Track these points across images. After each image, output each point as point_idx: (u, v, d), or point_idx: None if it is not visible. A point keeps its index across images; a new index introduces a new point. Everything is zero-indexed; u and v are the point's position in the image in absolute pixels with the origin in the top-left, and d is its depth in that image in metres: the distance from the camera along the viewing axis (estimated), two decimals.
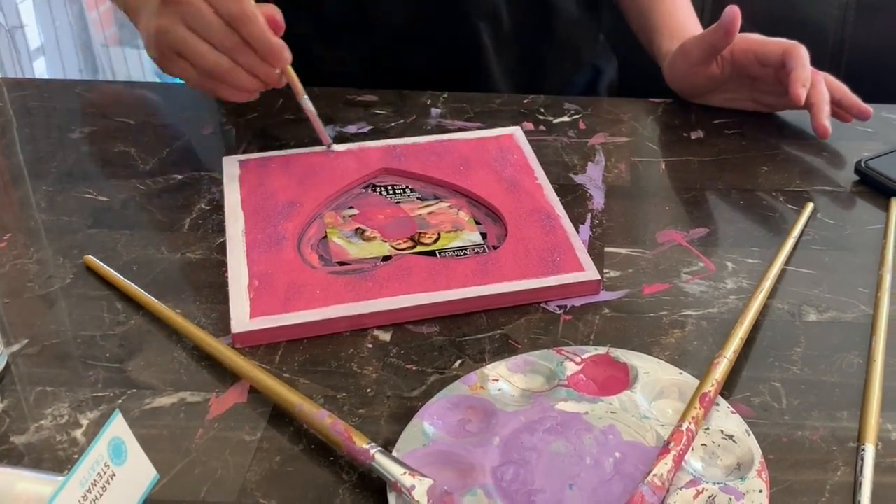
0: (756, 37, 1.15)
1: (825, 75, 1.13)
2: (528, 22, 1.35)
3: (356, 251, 0.96)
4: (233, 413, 0.80)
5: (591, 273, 0.92)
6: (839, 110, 1.14)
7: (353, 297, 0.89)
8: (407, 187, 1.05)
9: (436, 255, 0.95)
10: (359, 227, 0.99)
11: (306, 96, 1.08)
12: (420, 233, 0.98)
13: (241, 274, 0.92)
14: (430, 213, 1.01)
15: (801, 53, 1.11)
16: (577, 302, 0.91)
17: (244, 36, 1.01)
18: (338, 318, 0.88)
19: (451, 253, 0.95)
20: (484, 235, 0.97)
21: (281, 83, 1.06)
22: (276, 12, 1.04)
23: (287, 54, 1.03)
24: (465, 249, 0.95)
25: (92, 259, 0.95)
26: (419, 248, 0.96)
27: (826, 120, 1.09)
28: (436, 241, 0.97)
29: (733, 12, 1.10)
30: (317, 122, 1.09)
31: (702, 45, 1.16)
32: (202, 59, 1.03)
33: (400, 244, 0.96)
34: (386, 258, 0.95)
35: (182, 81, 1.08)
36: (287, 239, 0.96)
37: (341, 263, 0.94)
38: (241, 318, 0.88)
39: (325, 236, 0.98)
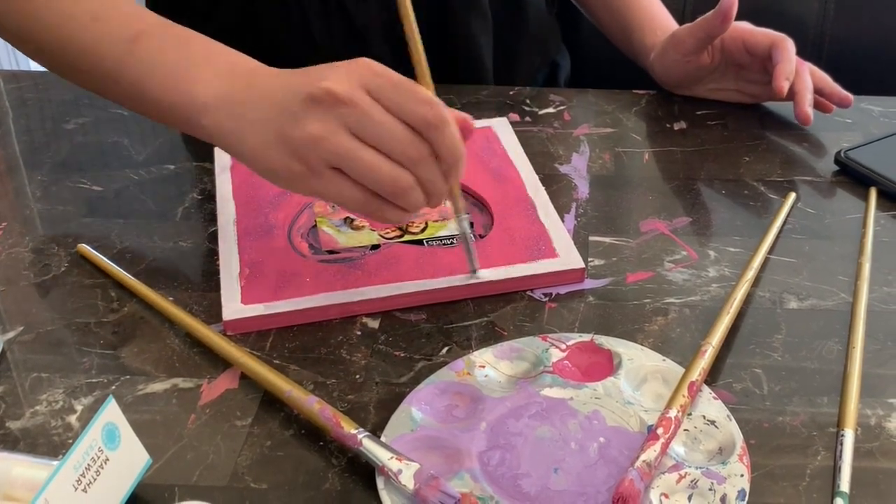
0: (745, 25, 1.16)
1: (809, 65, 1.14)
2: (505, 16, 1.34)
3: (345, 240, 0.97)
4: (224, 399, 0.81)
5: (575, 262, 0.93)
6: (821, 100, 1.15)
7: (343, 285, 0.90)
8: None
9: (423, 244, 0.96)
10: (348, 217, 0.99)
11: (466, 215, 0.90)
12: (408, 222, 0.99)
13: (233, 262, 0.93)
14: None
15: (788, 46, 1.12)
16: (562, 290, 0.91)
17: (435, 144, 0.81)
18: (327, 306, 0.89)
19: (438, 242, 0.96)
20: (471, 224, 0.98)
21: (441, 202, 0.86)
22: (466, 115, 0.85)
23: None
24: (452, 238, 0.96)
25: (85, 248, 0.96)
26: (407, 237, 0.97)
27: (808, 108, 1.11)
28: (423, 230, 0.97)
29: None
30: (471, 247, 0.91)
31: (696, 32, 1.16)
32: (375, 173, 0.80)
33: (388, 233, 0.97)
34: (374, 247, 0.96)
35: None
36: (277, 228, 0.97)
37: (330, 252, 0.95)
38: (233, 305, 0.89)
39: (315, 225, 0.99)
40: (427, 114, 0.80)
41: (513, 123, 1.15)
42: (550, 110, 1.20)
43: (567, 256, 0.93)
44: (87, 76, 0.97)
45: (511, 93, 1.24)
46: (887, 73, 1.41)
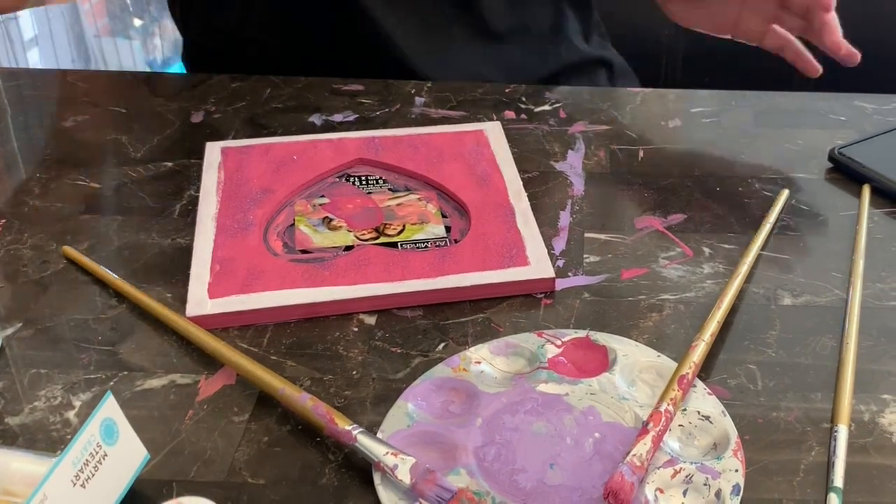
0: None
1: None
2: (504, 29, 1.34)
3: (320, 240, 0.96)
4: (222, 395, 0.81)
5: (545, 271, 0.92)
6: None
7: (307, 286, 0.90)
8: (380, 178, 1.05)
9: (397, 247, 0.95)
10: (326, 217, 0.99)
11: None
12: (385, 224, 0.98)
13: (205, 258, 0.93)
14: (398, 205, 1.01)
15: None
16: (558, 286, 0.92)
17: None
18: (290, 306, 0.88)
19: (412, 245, 0.95)
20: (448, 229, 0.98)
21: None
22: None
23: None
24: (427, 242, 0.95)
25: (70, 249, 0.96)
26: (382, 240, 0.96)
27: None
28: (400, 232, 0.97)
29: None
30: None
31: None
32: None
33: (364, 234, 0.97)
34: (348, 248, 0.95)
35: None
36: (255, 225, 0.97)
37: (304, 251, 0.95)
38: (198, 301, 0.89)
39: (293, 224, 0.98)
40: None
41: (509, 121, 1.16)
42: (546, 108, 1.20)
43: (538, 265, 0.92)
44: None
45: (507, 90, 1.24)
46: (880, 71, 1.41)
